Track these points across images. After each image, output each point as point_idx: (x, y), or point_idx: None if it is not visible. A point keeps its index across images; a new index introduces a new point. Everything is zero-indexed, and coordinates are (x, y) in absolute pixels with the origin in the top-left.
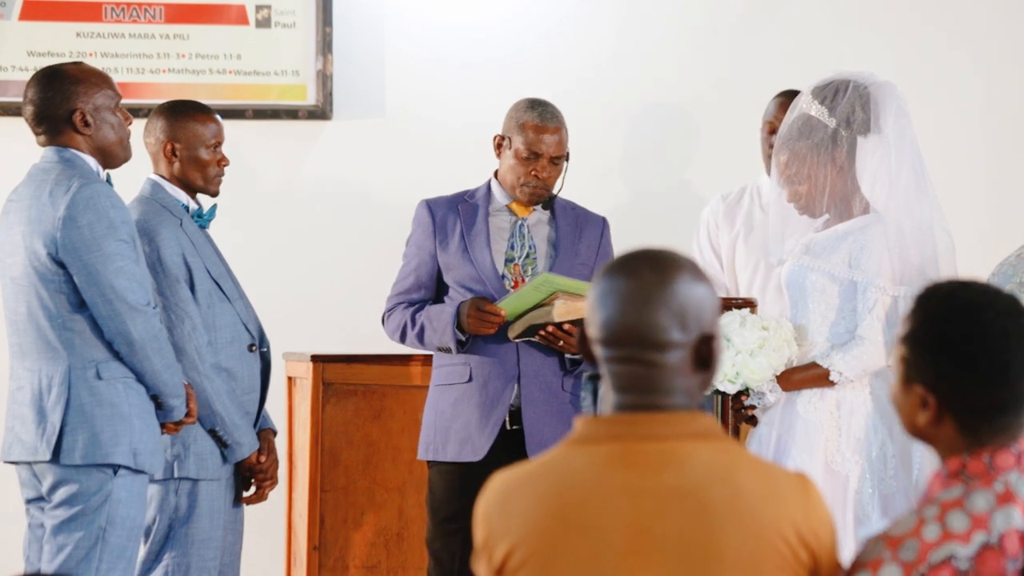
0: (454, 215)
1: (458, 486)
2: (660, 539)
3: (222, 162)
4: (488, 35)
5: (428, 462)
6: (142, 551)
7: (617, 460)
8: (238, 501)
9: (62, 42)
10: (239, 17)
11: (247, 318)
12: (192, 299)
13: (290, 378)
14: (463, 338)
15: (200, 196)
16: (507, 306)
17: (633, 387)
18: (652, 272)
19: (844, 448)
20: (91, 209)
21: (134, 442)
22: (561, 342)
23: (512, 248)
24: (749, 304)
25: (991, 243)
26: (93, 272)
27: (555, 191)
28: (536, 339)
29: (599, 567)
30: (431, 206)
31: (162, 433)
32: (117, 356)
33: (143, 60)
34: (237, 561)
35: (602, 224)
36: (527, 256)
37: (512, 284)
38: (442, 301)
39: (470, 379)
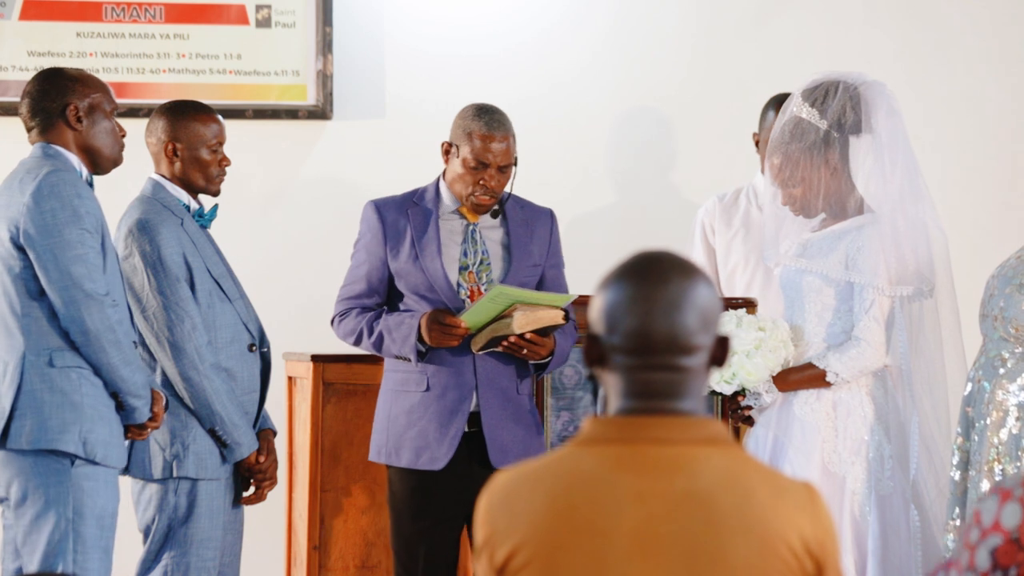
0: (404, 219)
1: (419, 486)
2: (667, 543)
3: (223, 162)
4: (488, 34)
5: (387, 464)
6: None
7: (627, 462)
8: (237, 502)
9: (62, 42)
10: (239, 17)
11: (247, 318)
12: (192, 298)
13: (290, 378)
14: (423, 349)
15: (201, 196)
16: (467, 319)
17: (655, 393)
18: (680, 277)
19: (841, 449)
20: (54, 196)
21: (84, 432)
22: (524, 351)
23: (465, 255)
24: (748, 304)
25: (991, 244)
26: (51, 258)
27: (504, 197)
28: (500, 349)
29: (605, 569)
30: (380, 208)
31: (126, 437)
32: (73, 346)
33: (143, 60)
34: (237, 561)
35: (550, 218)
36: (480, 263)
37: (467, 293)
38: (395, 307)
39: (427, 388)
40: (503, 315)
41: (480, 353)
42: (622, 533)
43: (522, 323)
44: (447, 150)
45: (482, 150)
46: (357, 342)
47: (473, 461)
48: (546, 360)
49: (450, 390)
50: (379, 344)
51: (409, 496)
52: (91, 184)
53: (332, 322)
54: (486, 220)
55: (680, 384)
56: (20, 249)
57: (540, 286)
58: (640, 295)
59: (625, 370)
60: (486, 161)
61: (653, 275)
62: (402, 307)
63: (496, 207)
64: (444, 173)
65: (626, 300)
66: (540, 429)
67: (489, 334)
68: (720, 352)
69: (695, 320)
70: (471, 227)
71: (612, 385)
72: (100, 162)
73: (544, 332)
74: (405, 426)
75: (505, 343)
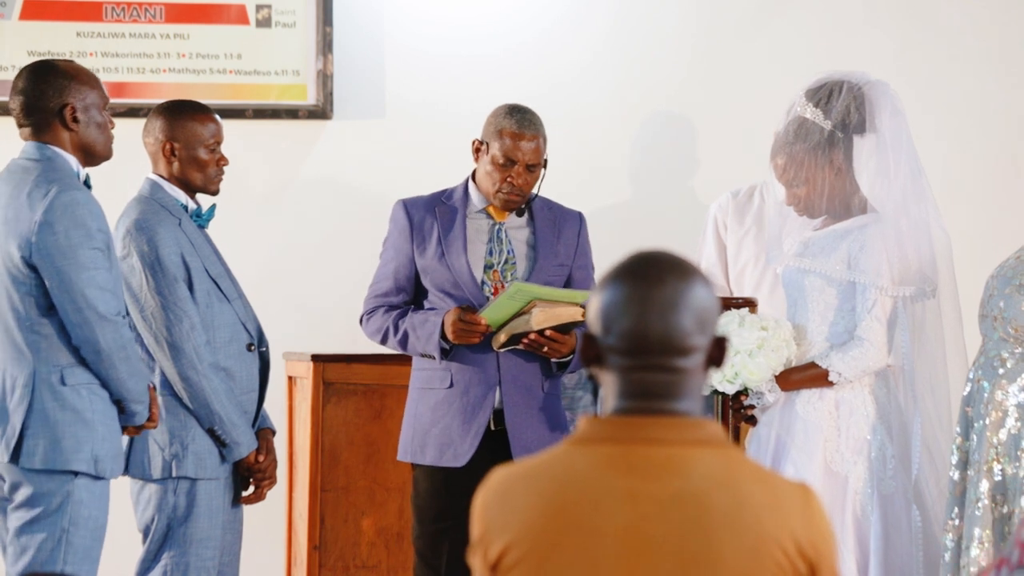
0: (431, 217)
1: (443, 487)
2: (659, 544)
3: (221, 162)
4: (488, 34)
5: (412, 463)
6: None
7: (620, 462)
8: (237, 501)
9: (62, 42)
10: (239, 17)
11: (246, 318)
12: (190, 298)
13: (290, 378)
14: (447, 347)
15: (199, 196)
16: (487, 316)
17: (650, 393)
18: (674, 277)
19: (843, 448)
20: (68, 216)
21: (96, 449)
22: (545, 348)
23: (491, 254)
24: (749, 304)
25: (991, 244)
26: (65, 279)
27: (532, 197)
28: (520, 347)
29: (596, 568)
30: (408, 207)
31: (123, 433)
32: (83, 362)
33: (143, 60)
34: (236, 561)
35: (579, 221)
36: (506, 261)
37: (491, 290)
38: (421, 304)
39: (451, 385)
40: (522, 312)
41: (502, 351)
42: (614, 533)
43: (540, 320)
44: (477, 148)
45: (511, 148)
46: (384, 341)
47: (497, 460)
48: (567, 358)
49: (473, 386)
50: (404, 342)
51: (433, 495)
52: (88, 184)
53: (360, 321)
54: (512, 220)
55: (675, 385)
56: (31, 267)
57: (567, 287)
58: (636, 296)
59: (621, 370)
60: (514, 158)
61: (649, 276)
62: (427, 305)
63: (522, 206)
64: (473, 173)
65: (622, 301)
66: (566, 428)
67: (509, 331)
68: (717, 353)
69: (691, 321)
70: (497, 226)
71: (608, 385)
72: (93, 159)
73: (564, 329)
74: (430, 423)
75: (525, 340)
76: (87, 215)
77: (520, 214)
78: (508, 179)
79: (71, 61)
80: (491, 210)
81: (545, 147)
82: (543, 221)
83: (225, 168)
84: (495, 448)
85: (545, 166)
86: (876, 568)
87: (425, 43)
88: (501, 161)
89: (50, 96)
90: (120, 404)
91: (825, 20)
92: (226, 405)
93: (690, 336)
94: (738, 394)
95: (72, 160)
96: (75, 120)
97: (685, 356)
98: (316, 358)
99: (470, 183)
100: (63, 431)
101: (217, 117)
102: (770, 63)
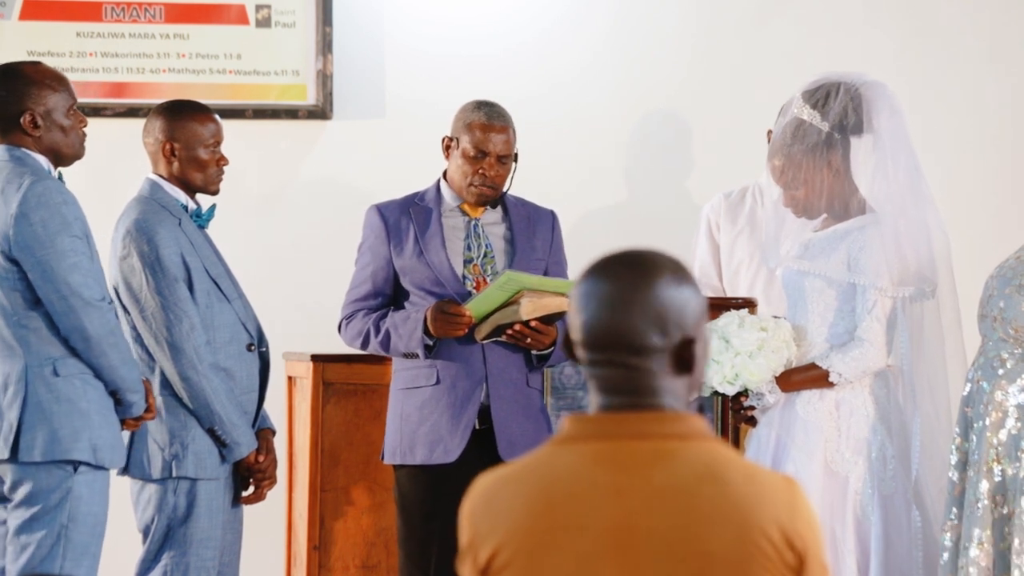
0: (406, 218)
1: (429, 487)
2: (647, 538)
3: (221, 162)
4: (488, 34)
5: (395, 465)
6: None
7: (604, 458)
8: (237, 501)
9: (62, 42)
10: (239, 17)
11: (246, 318)
12: (190, 298)
13: (290, 378)
14: (431, 343)
15: (199, 196)
16: (473, 308)
17: (617, 389)
18: (631, 274)
19: (844, 449)
20: (43, 206)
21: (93, 438)
22: (528, 339)
23: (469, 249)
24: (749, 304)
25: (991, 244)
26: (47, 269)
27: (503, 191)
28: (503, 338)
29: (585, 566)
30: (382, 210)
31: (122, 429)
32: (74, 352)
33: (143, 60)
34: (236, 561)
35: (552, 218)
36: (485, 255)
37: (473, 285)
38: (402, 307)
39: (437, 381)
40: (509, 303)
41: (485, 343)
42: (601, 529)
43: (529, 309)
44: (447, 145)
45: (482, 140)
46: (364, 344)
47: (484, 459)
48: (548, 350)
49: (460, 381)
50: (386, 343)
51: (420, 497)
52: (61, 180)
53: (339, 328)
54: (488, 215)
55: (638, 381)
56: (11, 261)
57: None
58: (593, 291)
59: (587, 365)
60: (486, 150)
61: (607, 272)
62: (408, 306)
63: (496, 199)
64: (444, 173)
65: (582, 295)
66: (549, 425)
67: (494, 322)
68: (686, 355)
69: (642, 320)
70: (473, 222)
71: (588, 382)
72: (62, 160)
73: (549, 320)
74: (418, 422)
75: (509, 331)
76: (61, 203)
77: (494, 206)
78: (480, 171)
79: (37, 64)
80: (465, 207)
81: (515, 140)
82: (518, 217)
83: (225, 168)
84: (481, 444)
85: (516, 159)
86: (876, 568)
87: (425, 43)
88: (472, 154)
89: (10, 103)
90: (116, 396)
91: (825, 20)
92: (226, 405)
93: (643, 335)
94: (738, 395)
95: (42, 160)
96: (35, 126)
97: (639, 355)
98: (316, 358)
99: (442, 182)
100: (60, 422)
101: (217, 117)
102: (770, 63)
